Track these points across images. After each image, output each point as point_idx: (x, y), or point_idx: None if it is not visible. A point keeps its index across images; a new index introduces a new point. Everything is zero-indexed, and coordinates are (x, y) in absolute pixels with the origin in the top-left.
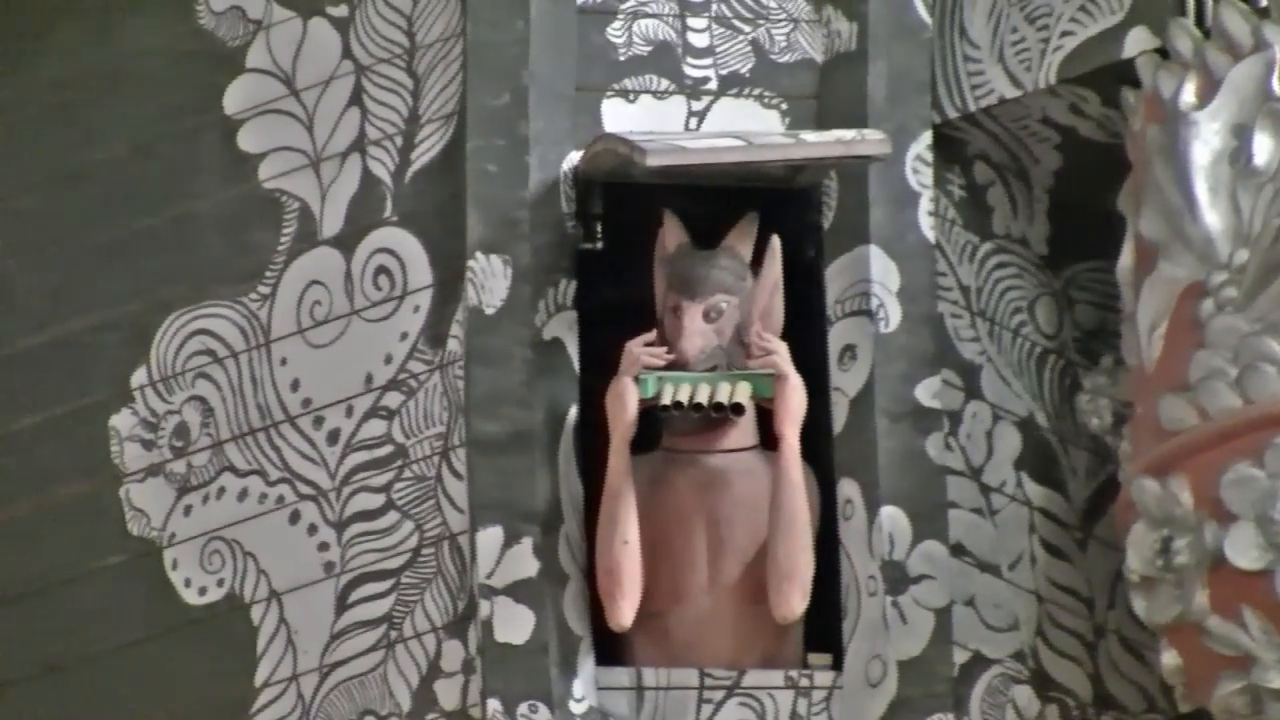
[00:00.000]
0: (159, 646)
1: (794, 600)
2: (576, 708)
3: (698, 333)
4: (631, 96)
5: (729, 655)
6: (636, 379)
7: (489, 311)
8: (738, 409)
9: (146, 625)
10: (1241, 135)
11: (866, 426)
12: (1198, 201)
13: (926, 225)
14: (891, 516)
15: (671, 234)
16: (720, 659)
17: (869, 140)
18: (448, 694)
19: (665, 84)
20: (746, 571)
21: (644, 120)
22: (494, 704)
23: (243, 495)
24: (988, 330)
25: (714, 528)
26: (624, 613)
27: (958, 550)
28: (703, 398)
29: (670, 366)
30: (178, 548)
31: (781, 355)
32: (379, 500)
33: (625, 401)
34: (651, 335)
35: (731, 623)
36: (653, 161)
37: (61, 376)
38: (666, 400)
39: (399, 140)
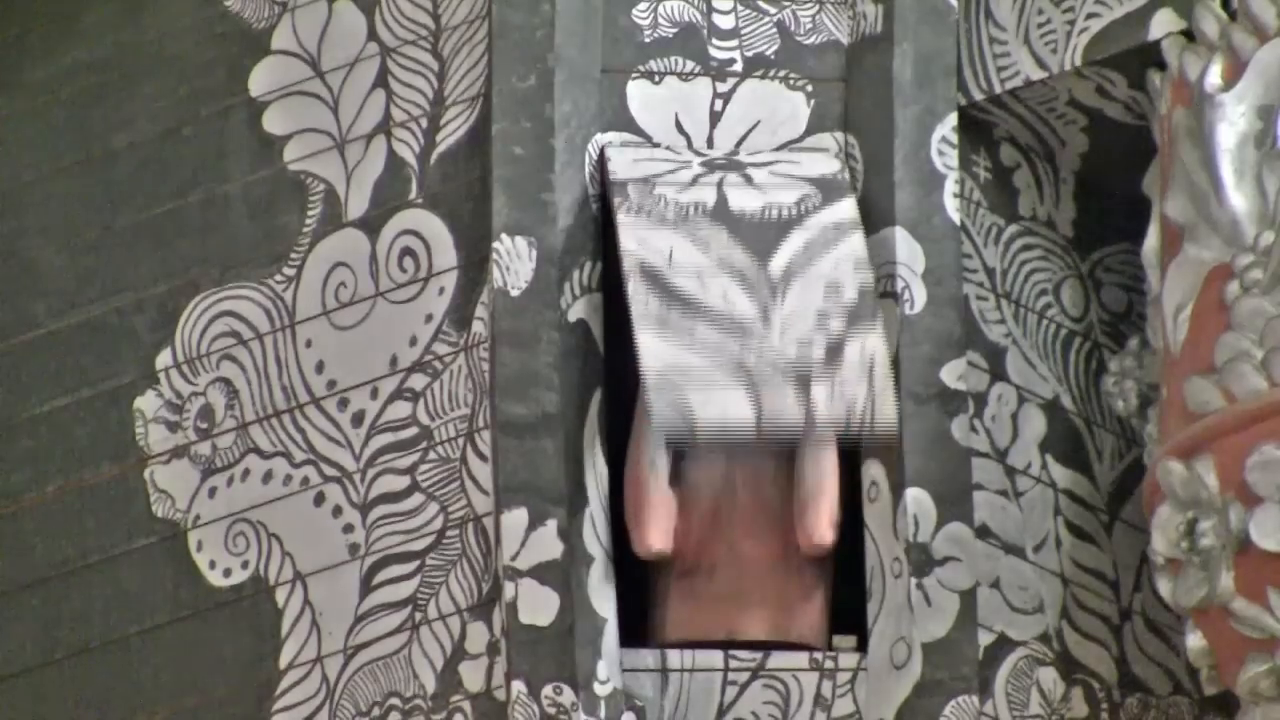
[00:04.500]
0: (184, 629)
1: (822, 523)
2: (601, 690)
3: None
4: (657, 78)
5: (758, 617)
6: None
7: (514, 294)
8: None
9: (171, 607)
10: (1267, 117)
11: None
12: (1224, 184)
13: (952, 207)
14: (916, 498)
15: None
16: (749, 622)
17: (880, 421)
18: (472, 676)
19: (691, 65)
20: (775, 528)
21: (669, 102)
22: (519, 686)
23: (267, 477)
24: (1013, 313)
25: (745, 487)
26: (651, 535)
27: (983, 532)
28: None
29: None
30: (202, 530)
31: None
32: (404, 482)
33: None
34: None
35: (759, 582)
36: (659, 427)
37: (89, 358)
38: None
39: (424, 122)
